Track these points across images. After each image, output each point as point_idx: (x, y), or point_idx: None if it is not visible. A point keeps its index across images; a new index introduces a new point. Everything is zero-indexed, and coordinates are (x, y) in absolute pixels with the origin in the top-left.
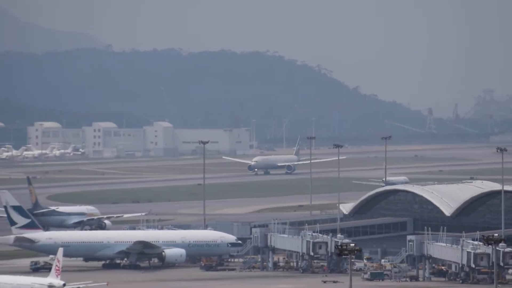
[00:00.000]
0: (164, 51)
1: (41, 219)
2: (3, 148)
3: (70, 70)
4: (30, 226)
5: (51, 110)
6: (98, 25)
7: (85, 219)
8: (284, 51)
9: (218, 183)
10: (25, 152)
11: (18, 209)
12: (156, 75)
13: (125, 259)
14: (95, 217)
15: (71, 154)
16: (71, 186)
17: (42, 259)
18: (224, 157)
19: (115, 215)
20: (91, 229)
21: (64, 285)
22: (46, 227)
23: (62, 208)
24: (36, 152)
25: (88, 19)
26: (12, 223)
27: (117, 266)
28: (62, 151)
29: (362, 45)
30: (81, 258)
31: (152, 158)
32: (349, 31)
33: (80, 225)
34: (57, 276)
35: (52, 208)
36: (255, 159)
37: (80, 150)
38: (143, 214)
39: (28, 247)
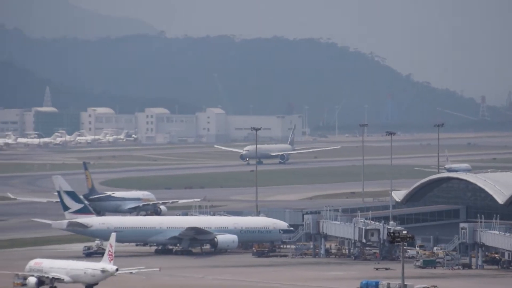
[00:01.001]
0: (217, 38)
1: (97, 204)
2: (56, 134)
3: (123, 56)
4: (83, 211)
5: (104, 96)
6: (151, 11)
7: (140, 204)
8: (337, 38)
9: (270, 170)
10: (78, 138)
11: (71, 194)
12: (209, 62)
13: (178, 245)
14: (151, 203)
15: (124, 139)
16: (124, 171)
17: (95, 244)
18: (216, 146)
19: (170, 201)
20: (146, 215)
21: (117, 270)
22: (102, 212)
23: (118, 194)
24: (89, 137)
25: (142, 6)
26: (65, 208)
27: (169, 252)
28: (115, 136)
29: (415, 32)
30: (133, 244)
31: (204, 144)
32: (402, 18)
33: (135, 211)
34: (110, 261)
35: (108, 193)
36: (246, 148)
37: (133, 136)
38: (198, 200)
39: (81, 232)
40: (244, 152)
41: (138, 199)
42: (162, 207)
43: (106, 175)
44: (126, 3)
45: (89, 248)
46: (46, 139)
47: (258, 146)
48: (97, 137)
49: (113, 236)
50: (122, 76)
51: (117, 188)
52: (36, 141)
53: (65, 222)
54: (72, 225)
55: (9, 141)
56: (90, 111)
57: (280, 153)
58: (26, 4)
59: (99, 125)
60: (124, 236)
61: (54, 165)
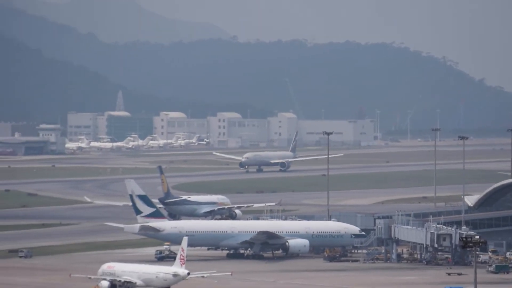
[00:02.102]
0: (288, 42)
1: (172, 208)
2: (129, 138)
3: (196, 61)
4: (155, 215)
5: (176, 100)
6: (224, 16)
7: (216, 208)
8: (410, 42)
9: (342, 174)
10: (150, 142)
11: (143, 198)
12: (281, 66)
13: (249, 249)
14: (226, 207)
15: (196, 144)
16: (195, 176)
17: (164, 248)
18: (214, 152)
19: (245, 205)
20: (221, 219)
21: (189, 274)
22: (177, 216)
23: (194, 198)
24: (161, 141)
25: (215, 11)
26: (138, 212)
27: (241, 256)
28: (187, 140)
29: (488, 36)
30: (205, 248)
31: (276, 148)
32: (475, 23)
33: (210, 214)
34: (181, 265)
35: (184, 197)
36: (245, 155)
37: (205, 140)
38: (273, 204)
39: (153, 236)
40: (243, 160)
41: (213, 203)
42: (237, 211)
43: (178, 179)
44: (199, 8)
45: (161, 252)
46: (119, 143)
47: (257, 153)
48: (169, 141)
49: (185, 240)
50: (195, 80)
51: (189, 193)
52: (108, 145)
53: (137, 226)
54: (144, 229)
55: (82, 145)
56: (162, 115)
57: (281, 161)
58: (99, 9)
59: (171, 129)
60: (195, 240)
61: (127, 169)
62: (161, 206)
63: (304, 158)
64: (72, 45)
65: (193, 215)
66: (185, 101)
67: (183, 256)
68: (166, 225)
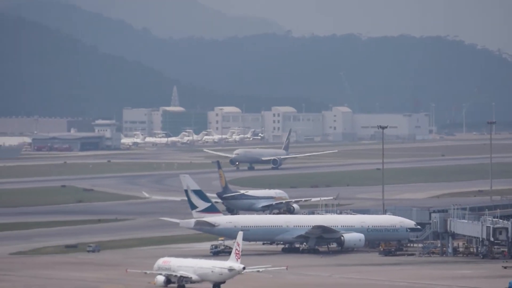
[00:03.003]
0: (343, 36)
1: (230, 202)
2: (184, 133)
3: (250, 56)
4: (210, 210)
5: (231, 95)
6: (278, 10)
7: (273, 202)
8: (465, 35)
9: (396, 168)
10: (205, 137)
11: (198, 193)
12: (335, 60)
13: (304, 243)
14: (284, 201)
15: (251, 138)
16: (250, 170)
17: (218, 243)
18: (205, 149)
19: (303, 199)
20: (279, 213)
21: (244, 268)
22: (235, 210)
23: (251, 192)
24: (216, 136)
25: (269, 5)
26: (193, 207)
27: (296, 250)
28: (242, 135)
29: None
30: (260, 242)
31: (330, 142)
32: None
33: (268, 209)
34: (237, 259)
35: (242, 191)
36: (236, 151)
37: (260, 134)
38: (330, 198)
39: (208, 231)
40: (233, 156)
41: (271, 197)
42: (295, 205)
43: (233, 173)
44: (254, 3)
45: (216, 246)
46: (174, 138)
47: (249, 150)
48: (224, 136)
49: (240, 234)
50: (249, 75)
51: (243, 187)
52: (163, 140)
53: (192, 221)
54: (200, 224)
55: (138, 140)
56: (217, 110)
57: (272, 158)
58: (154, 4)
59: (226, 124)
60: (251, 234)
61: (182, 164)
62: (219, 200)
63: (297, 156)
64: (127, 40)
65: (251, 209)
66: (239, 95)
67: (238, 251)
68: (221, 220)
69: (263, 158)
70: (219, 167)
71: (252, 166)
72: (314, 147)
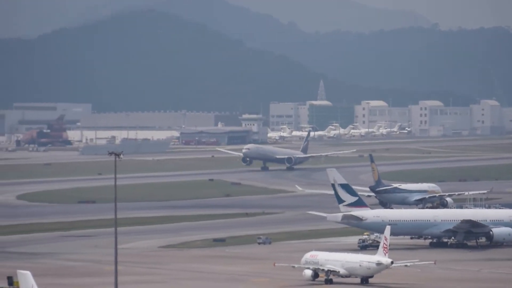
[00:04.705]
0: (491, 29)
1: (383, 196)
2: (330, 127)
3: (397, 49)
4: (357, 204)
5: (378, 89)
6: (425, 3)
7: (426, 196)
8: None
9: None
10: (352, 131)
11: (345, 187)
12: (483, 54)
13: (452, 238)
14: (437, 195)
15: (397, 132)
16: (397, 164)
17: (364, 237)
18: (217, 148)
19: (456, 193)
20: (432, 207)
21: (392, 263)
22: (388, 204)
23: (404, 186)
24: (363, 130)
25: None
26: (340, 200)
27: (444, 245)
28: (389, 129)
29: None
30: (408, 237)
31: (479, 136)
32: None
33: (421, 203)
34: (385, 254)
35: (395, 185)
36: (247, 146)
37: (406, 128)
38: (483, 192)
39: (355, 225)
40: (244, 151)
41: (424, 191)
42: (448, 199)
43: (380, 167)
44: None
45: (364, 241)
46: (320, 132)
47: (260, 146)
48: (370, 130)
49: (387, 229)
50: (396, 69)
51: (390, 181)
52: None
53: (339, 215)
54: (347, 218)
55: (284, 134)
56: (363, 104)
57: (287, 156)
58: None
59: (373, 118)
60: (398, 229)
61: (328, 158)
62: (372, 194)
63: (314, 155)
64: (274, 35)
65: (403, 203)
66: (386, 89)
67: (386, 245)
68: (369, 214)
69: (277, 156)
70: (372, 160)
71: (266, 166)
72: (461, 141)
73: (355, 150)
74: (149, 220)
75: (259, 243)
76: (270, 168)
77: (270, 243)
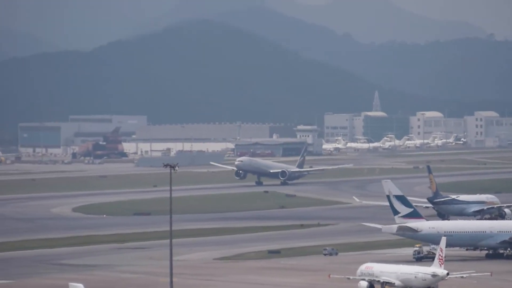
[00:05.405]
0: None
1: (441, 207)
2: (385, 138)
3: (452, 60)
4: (412, 215)
5: (433, 100)
6: (481, 14)
7: (485, 207)
8: None
9: None
10: (407, 142)
11: (400, 198)
12: None
13: (509, 249)
14: (495, 206)
15: (453, 143)
16: (453, 175)
17: (417, 249)
18: (211, 162)
19: None
20: (490, 218)
21: (448, 274)
22: (446, 215)
23: (462, 197)
24: (418, 141)
25: (471, 8)
26: (395, 212)
27: (500, 256)
28: (444, 140)
29: None
30: (463, 248)
31: None
32: None
33: (479, 214)
34: (440, 265)
35: (452, 196)
36: (240, 158)
37: (462, 139)
38: None
39: (410, 237)
40: (236, 163)
41: (482, 202)
42: (507, 210)
43: (435, 179)
44: (456, 6)
45: (419, 252)
46: (375, 144)
47: (254, 159)
48: (425, 141)
49: (443, 240)
50: (451, 79)
51: (446, 192)
52: (365, 145)
53: (395, 226)
54: (402, 230)
55: (339, 146)
56: (419, 115)
57: (281, 170)
58: (355, 10)
59: (428, 129)
60: (453, 240)
61: (383, 169)
62: (429, 205)
63: (311, 169)
64: (329, 46)
65: (461, 214)
66: (441, 100)
67: (441, 256)
68: (424, 225)
69: (271, 171)
70: (430, 171)
71: (260, 180)
72: None
73: (351, 165)
74: (204, 232)
75: (324, 254)
76: (264, 183)
77: (336, 254)
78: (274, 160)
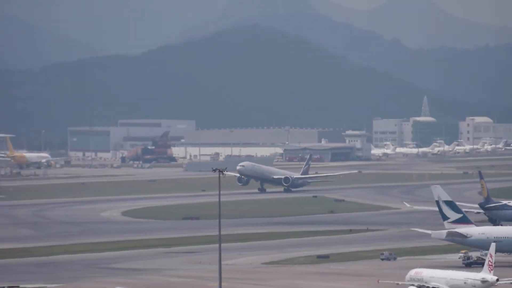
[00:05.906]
0: None
1: (493, 213)
2: (434, 143)
3: (502, 65)
4: (462, 221)
5: (482, 105)
6: None
7: None
8: None
9: None
10: (456, 147)
11: (450, 203)
12: None
13: None
14: None
15: (503, 149)
16: (503, 181)
17: (474, 254)
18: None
19: None
20: None
21: (497, 280)
22: (498, 221)
23: None
24: (468, 147)
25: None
26: (444, 217)
27: None
28: (493, 146)
29: None
30: None
31: None
32: None
33: None
34: (490, 271)
35: (504, 202)
36: (242, 163)
37: (511, 145)
38: None
39: (459, 242)
40: (238, 168)
41: None
42: None
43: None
44: (505, 11)
45: (468, 258)
46: (424, 149)
47: (257, 164)
48: (475, 146)
49: (493, 246)
50: (501, 84)
51: (497, 198)
52: (414, 150)
53: (444, 232)
54: (451, 235)
55: (388, 151)
56: (468, 121)
57: (284, 177)
58: (404, 15)
59: (478, 135)
60: (504, 246)
61: (432, 175)
62: (481, 211)
63: (314, 176)
64: (377, 51)
65: None
66: (491, 105)
67: (491, 262)
68: (474, 231)
69: (274, 177)
70: (481, 177)
71: (263, 187)
72: None
73: (357, 171)
74: (253, 236)
75: (382, 259)
76: (267, 190)
77: (395, 259)
78: (323, 166)
